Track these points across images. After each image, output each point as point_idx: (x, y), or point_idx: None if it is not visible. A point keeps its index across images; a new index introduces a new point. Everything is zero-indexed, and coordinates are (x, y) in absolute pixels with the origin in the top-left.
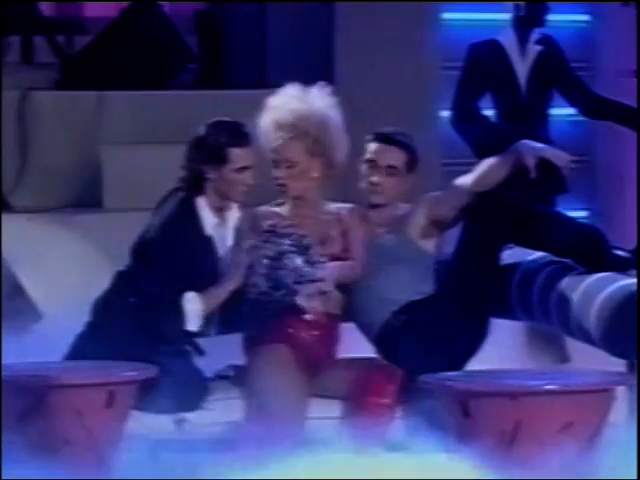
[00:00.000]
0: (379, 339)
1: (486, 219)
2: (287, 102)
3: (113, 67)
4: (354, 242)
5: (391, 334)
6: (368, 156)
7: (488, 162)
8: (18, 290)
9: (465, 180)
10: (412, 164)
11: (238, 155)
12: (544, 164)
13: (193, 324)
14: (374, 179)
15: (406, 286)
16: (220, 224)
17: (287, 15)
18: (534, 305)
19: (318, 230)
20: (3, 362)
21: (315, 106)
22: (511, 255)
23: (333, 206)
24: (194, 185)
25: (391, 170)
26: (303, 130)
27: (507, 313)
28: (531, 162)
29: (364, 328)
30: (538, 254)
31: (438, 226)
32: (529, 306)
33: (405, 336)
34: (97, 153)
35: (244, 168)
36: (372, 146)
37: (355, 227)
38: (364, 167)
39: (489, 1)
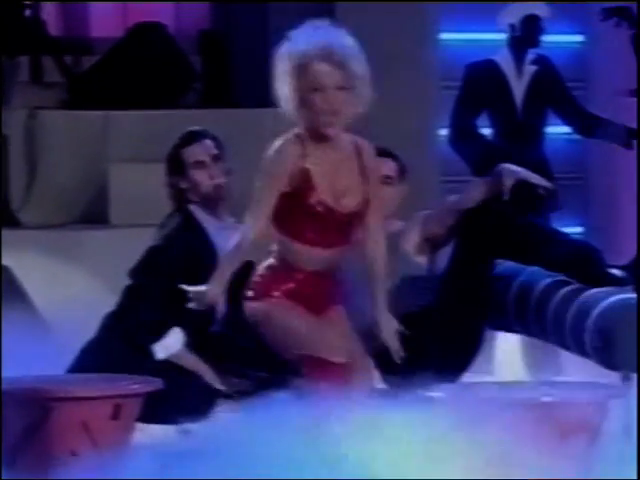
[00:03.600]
0: (377, 353)
1: (478, 235)
2: (314, 36)
3: (119, 86)
4: (374, 189)
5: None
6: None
7: (471, 183)
8: (24, 303)
9: (452, 199)
10: (403, 173)
11: (188, 152)
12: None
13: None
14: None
15: (402, 301)
16: (224, 227)
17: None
18: (530, 318)
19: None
20: (9, 375)
21: (344, 40)
22: (508, 268)
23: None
24: (179, 199)
25: (387, 180)
26: (342, 59)
27: (504, 326)
28: (508, 183)
29: (362, 342)
30: (535, 268)
31: (431, 243)
32: (525, 319)
33: (402, 349)
34: (104, 170)
35: (199, 163)
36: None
37: (372, 167)
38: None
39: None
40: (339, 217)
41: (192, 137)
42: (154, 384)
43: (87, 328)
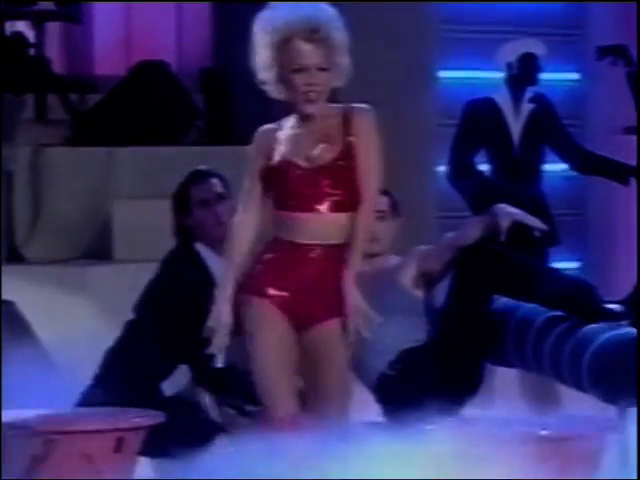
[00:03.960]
0: (377, 388)
1: (475, 271)
2: (297, 8)
3: (123, 124)
4: (362, 150)
5: (388, 383)
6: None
7: (467, 221)
8: (28, 337)
9: (449, 236)
10: (396, 208)
11: (194, 191)
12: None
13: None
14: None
15: (401, 335)
16: None
17: None
18: (528, 353)
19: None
20: (13, 408)
21: (328, 12)
22: (506, 304)
23: (337, 106)
24: (184, 236)
25: (380, 214)
26: (325, 34)
27: (503, 361)
28: (504, 225)
29: (362, 378)
30: (532, 304)
31: (428, 277)
32: (523, 354)
33: (402, 384)
34: (107, 207)
35: (205, 201)
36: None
37: (364, 131)
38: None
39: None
40: (310, 174)
41: (198, 176)
42: (156, 417)
43: (90, 362)
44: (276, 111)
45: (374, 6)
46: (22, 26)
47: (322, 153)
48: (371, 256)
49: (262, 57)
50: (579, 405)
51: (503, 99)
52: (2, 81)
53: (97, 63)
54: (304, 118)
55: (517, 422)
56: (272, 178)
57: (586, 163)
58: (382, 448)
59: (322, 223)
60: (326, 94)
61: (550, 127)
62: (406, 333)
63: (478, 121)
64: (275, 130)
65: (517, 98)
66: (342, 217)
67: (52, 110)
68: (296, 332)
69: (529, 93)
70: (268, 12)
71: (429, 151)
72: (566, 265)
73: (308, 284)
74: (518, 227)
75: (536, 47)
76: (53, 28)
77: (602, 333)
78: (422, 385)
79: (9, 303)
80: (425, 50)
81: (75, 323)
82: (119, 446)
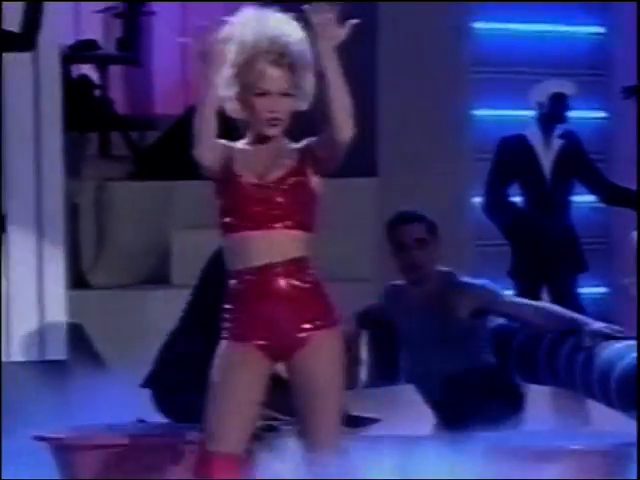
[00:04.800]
0: (439, 405)
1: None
2: (266, 28)
3: (181, 158)
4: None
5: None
6: (398, 238)
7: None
8: (94, 357)
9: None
10: (433, 231)
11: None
12: (565, 246)
13: None
14: (411, 258)
15: (460, 361)
16: None
17: None
18: (560, 371)
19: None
20: (81, 423)
21: (297, 35)
22: None
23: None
24: None
25: (420, 243)
26: (292, 59)
27: (535, 379)
28: (588, 338)
29: (430, 403)
30: None
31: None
32: (555, 372)
33: (462, 406)
34: (166, 236)
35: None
36: (400, 228)
37: (314, 164)
38: (395, 249)
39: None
40: (260, 190)
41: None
42: None
43: None
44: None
45: (411, 47)
46: (87, 69)
47: (272, 170)
48: (415, 283)
49: (223, 74)
50: (609, 421)
51: (534, 136)
52: (69, 120)
53: (156, 103)
54: (262, 139)
55: (546, 437)
56: (222, 194)
57: (611, 195)
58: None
59: (274, 240)
60: (288, 119)
61: (578, 162)
62: (463, 359)
63: (511, 156)
64: (229, 146)
65: (547, 135)
66: (295, 234)
67: (115, 147)
68: (276, 363)
69: (559, 130)
70: (234, 27)
71: (466, 184)
72: (593, 290)
73: (277, 309)
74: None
75: (565, 87)
76: (115, 71)
77: (632, 351)
78: (478, 405)
79: (76, 325)
80: (461, 91)
81: (136, 343)
82: (179, 459)
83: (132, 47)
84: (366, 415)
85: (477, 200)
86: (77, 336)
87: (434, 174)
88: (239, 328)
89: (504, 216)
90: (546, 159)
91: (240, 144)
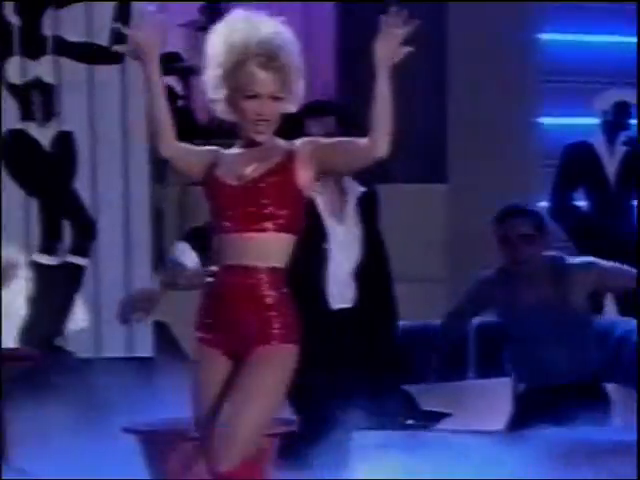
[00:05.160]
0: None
1: None
2: (255, 30)
3: None
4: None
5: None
6: (502, 232)
7: None
8: (181, 355)
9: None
10: (541, 227)
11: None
12: (627, 248)
13: None
14: (515, 252)
15: (573, 359)
16: None
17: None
18: None
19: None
20: (169, 418)
21: (286, 37)
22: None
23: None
24: None
25: (528, 238)
26: (282, 62)
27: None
28: None
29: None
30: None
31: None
32: None
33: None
34: None
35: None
36: (506, 222)
37: (305, 162)
38: (500, 242)
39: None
40: (236, 192)
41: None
42: (289, 425)
43: None
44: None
45: (480, 56)
46: (171, 80)
47: (252, 171)
48: (521, 277)
49: (212, 75)
50: None
51: (599, 142)
52: None
53: None
54: (249, 143)
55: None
56: (207, 198)
57: None
58: None
59: (251, 242)
60: (277, 123)
61: None
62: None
63: (576, 162)
64: (219, 152)
65: (611, 141)
66: (274, 236)
67: None
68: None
69: (622, 137)
70: (224, 27)
71: (533, 190)
72: None
73: (239, 312)
74: None
75: (629, 95)
76: (198, 81)
77: None
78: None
79: (165, 325)
80: (529, 99)
81: None
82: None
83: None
84: (437, 410)
85: (543, 205)
86: (166, 335)
87: (502, 180)
88: (202, 326)
89: (569, 220)
90: (610, 165)
91: (230, 150)
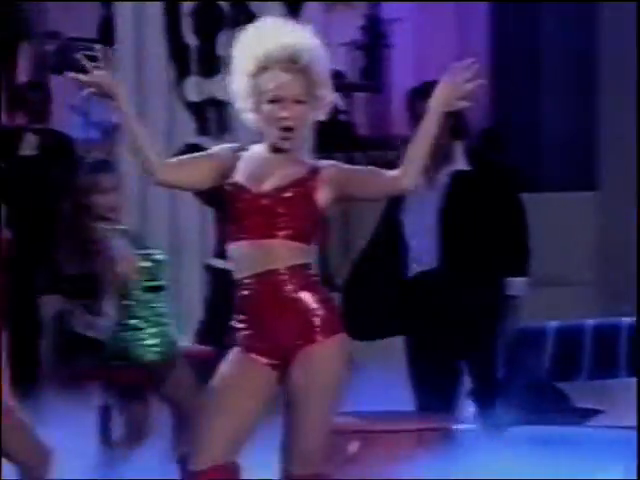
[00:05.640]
0: None
1: None
2: (278, 35)
3: None
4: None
5: None
6: None
7: None
8: None
9: None
10: None
11: None
12: None
13: None
14: None
15: None
16: None
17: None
18: None
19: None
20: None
21: (310, 42)
22: None
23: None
24: None
25: None
26: (304, 65)
27: None
28: None
29: None
30: None
31: None
32: None
33: None
34: None
35: None
36: None
37: (326, 183)
38: None
39: None
40: (258, 199)
41: None
42: (453, 422)
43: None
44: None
45: (630, 62)
46: (335, 96)
47: (274, 181)
48: None
49: (239, 84)
50: None
51: None
52: (319, 142)
53: (394, 124)
54: (274, 150)
55: None
56: (226, 202)
57: None
58: None
59: (270, 250)
60: (302, 128)
61: None
62: None
63: None
64: (239, 152)
65: None
66: (292, 245)
67: (357, 163)
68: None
69: None
70: (248, 36)
71: None
72: None
73: (276, 317)
74: None
75: None
76: (358, 97)
77: None
78: None
79: None
80: None
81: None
82: (421, 443)
83: (374, 76)
84: (590, 407)
85: None
86: None
87: None
88: (242, 337)
89: None
90: None
91: (251, 152)
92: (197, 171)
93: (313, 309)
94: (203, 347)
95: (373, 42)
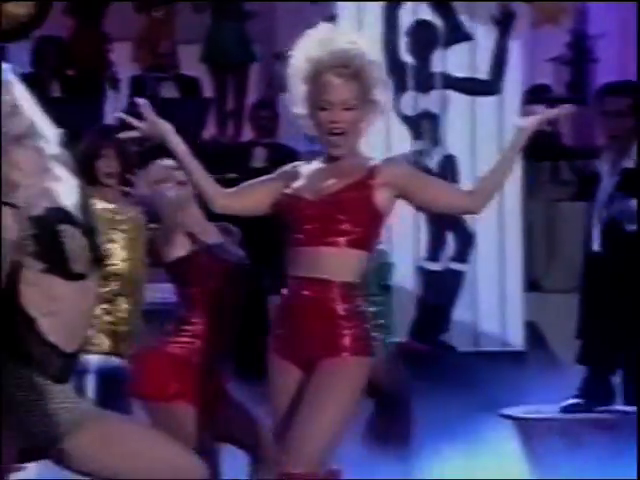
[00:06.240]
0: None
1: None
2: (331, 41)
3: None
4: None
5: None
6: None
7: None
8: (547, 351)
9: None
10: None
11: None
12: None
13: None
14: None
15: None
16: None
17: None
18: None
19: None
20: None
21: (363, 47)
22: None
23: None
24: None
25: None
26: (356, 70)
27: None
28: None
29: None
30: None
31: None
32: None
33: None
34: None
35: None
36: None
37: (385, 181)
38: None
39: None
40: (311, 206)
41: None
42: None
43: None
44: None
45: None
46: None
47: (330, 186)
48: None
49: (296, 91)
50: None
51: None
52: (529, 151)
53: (598, 135)
54: (330, 159)
55: None
56: (284, 211)
57: None
58: None
59: (325, 257)
60: (353, 134)
61: None
62: None
63: None
64: (300, 166)
65: None
66: (348, 252)
67: (563, 172)
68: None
69: None
70: (305, 43)
71: None
72: None
73: (302, 321)
74: None
75: None
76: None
77: None
78: None
79: (532, 323)
80: None
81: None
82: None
83: (580, 89)
84: None
85: None
86: (532, 332)
87: None
88: (275, 337)
89: None
90: None
91: (310, 164)
92: (260, 195)
93: (349, 325)
94: (418, 343)
95: (578, 57)
